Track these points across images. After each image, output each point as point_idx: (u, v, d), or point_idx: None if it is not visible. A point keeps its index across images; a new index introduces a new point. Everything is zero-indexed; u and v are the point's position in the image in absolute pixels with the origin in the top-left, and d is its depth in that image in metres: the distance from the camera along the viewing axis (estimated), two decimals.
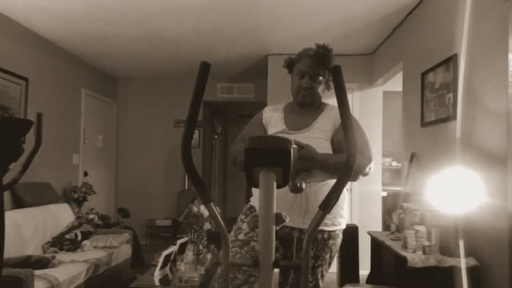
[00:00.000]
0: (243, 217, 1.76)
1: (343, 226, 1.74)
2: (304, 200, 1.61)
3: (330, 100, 1.55)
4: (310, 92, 1.72)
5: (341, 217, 1.72)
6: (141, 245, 4.73)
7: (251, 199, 1.81)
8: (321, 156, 1.52)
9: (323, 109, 1.78)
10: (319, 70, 1.69)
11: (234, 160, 1.70)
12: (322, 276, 1.71)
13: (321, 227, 1.64)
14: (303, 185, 1.30)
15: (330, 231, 1.68)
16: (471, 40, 2.37)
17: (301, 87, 1.71)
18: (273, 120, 1.80)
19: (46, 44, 4.25)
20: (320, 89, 1.75)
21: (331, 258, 1.72)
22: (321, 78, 1.71)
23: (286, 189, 1.11)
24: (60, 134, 4.53)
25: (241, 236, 1.68)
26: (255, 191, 1.75)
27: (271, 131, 1.77)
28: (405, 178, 3.25)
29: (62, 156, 4.61)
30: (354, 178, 1.65)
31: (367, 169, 1.61)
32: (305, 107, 1.77)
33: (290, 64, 1.78)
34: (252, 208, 1.76)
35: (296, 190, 1.30)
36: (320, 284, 1.72)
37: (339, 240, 1.73)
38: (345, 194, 1.76)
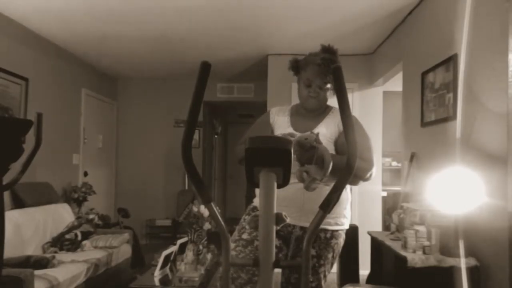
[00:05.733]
0: (246, 217, 1.77)
1: (346, 227, 1.75)
2: (302, 197, 1.61)
3: (331, 101, 1.55)
4: (318, 100, 1.74)
5: (344, 217, 1.72)
6: (141, 245, 4.72)
7: (254, 199, 1.81)
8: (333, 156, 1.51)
9: (328, 112, 1.80)
10: (326, 78, 1.70)
11: (240, 161, 1.70)
12: (325, 276, 1.72)
13: (324, 226, 1.65)
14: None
15: (333, 231, 1.69)
16: (471, 40, 2.37)
17: (309, 96, 1.73)
18: (279, 122, 1.82)
19: (46, 44, 4.25)
20: (328, 94, 1.76)
21: (333, 258, 1.72)
22: (328, 85, 1.72)
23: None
24: (60, 134, 4.53)
25: (245, 236, 1.69)
26: (258, 191, 1.76)
27: (277, 132, 1.78)
28: (405, 178, 3.25)
29: (62, 156, 4.60)
30: (354, 183, 1.65)
31: (367, 175, 1.60)
32: (312, 111, 1.79)
33: (295, 68, 1.79)
34: (255, 208, 1.77)
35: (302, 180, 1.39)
36: (323, 284, 1.72)
37: (341, 240, 1.74)
38: (348, 194, 1.76)
